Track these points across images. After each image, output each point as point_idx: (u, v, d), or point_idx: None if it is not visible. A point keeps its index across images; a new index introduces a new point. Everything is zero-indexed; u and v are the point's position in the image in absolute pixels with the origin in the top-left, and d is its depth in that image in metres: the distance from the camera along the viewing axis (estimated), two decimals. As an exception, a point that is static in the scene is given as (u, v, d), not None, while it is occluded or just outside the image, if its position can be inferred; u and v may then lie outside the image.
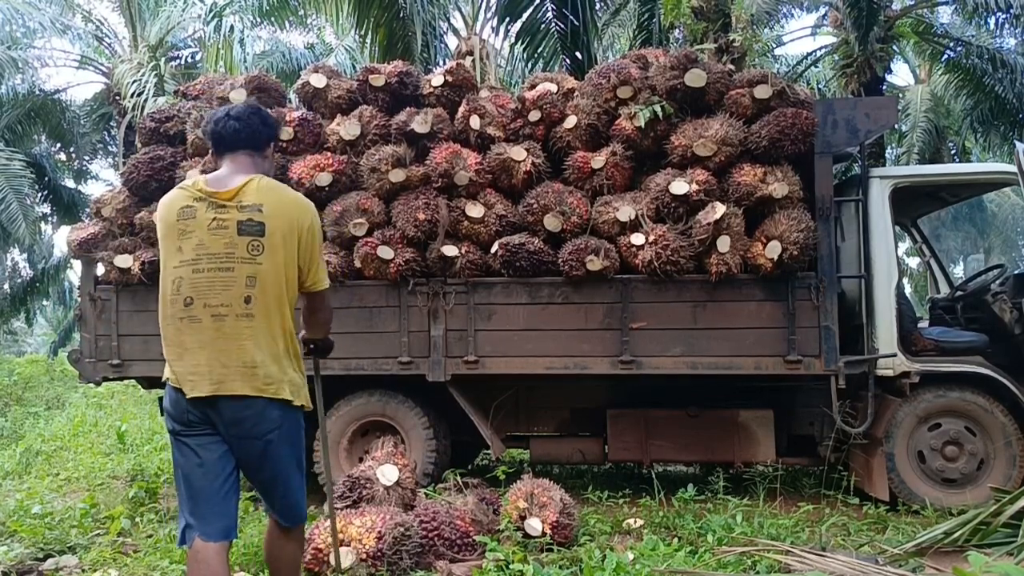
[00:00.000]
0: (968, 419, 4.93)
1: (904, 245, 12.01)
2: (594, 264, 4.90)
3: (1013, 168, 4.76)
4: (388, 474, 4.27)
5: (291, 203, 2.58)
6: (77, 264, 5.86)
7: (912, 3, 12.76)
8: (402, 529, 3.63)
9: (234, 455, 2.54)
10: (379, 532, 3.55)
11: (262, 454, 2.54)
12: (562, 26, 8.48)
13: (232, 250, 2.46)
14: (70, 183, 18.35)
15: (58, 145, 18.23)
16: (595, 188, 5.16)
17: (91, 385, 5.82)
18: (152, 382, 6.01)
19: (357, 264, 5.20)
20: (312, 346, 2.98)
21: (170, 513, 4.96)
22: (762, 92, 5.00)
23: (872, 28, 10.23)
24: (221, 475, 2.49)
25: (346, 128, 5.37)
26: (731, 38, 8.29)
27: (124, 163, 6.40)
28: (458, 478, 4.72)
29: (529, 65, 9.13)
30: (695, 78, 5.03)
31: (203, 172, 5.39)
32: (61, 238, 26.64)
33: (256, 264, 2.47)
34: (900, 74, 26.03)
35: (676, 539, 4.07)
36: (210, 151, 2.73)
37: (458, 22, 10.35)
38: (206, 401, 2.46)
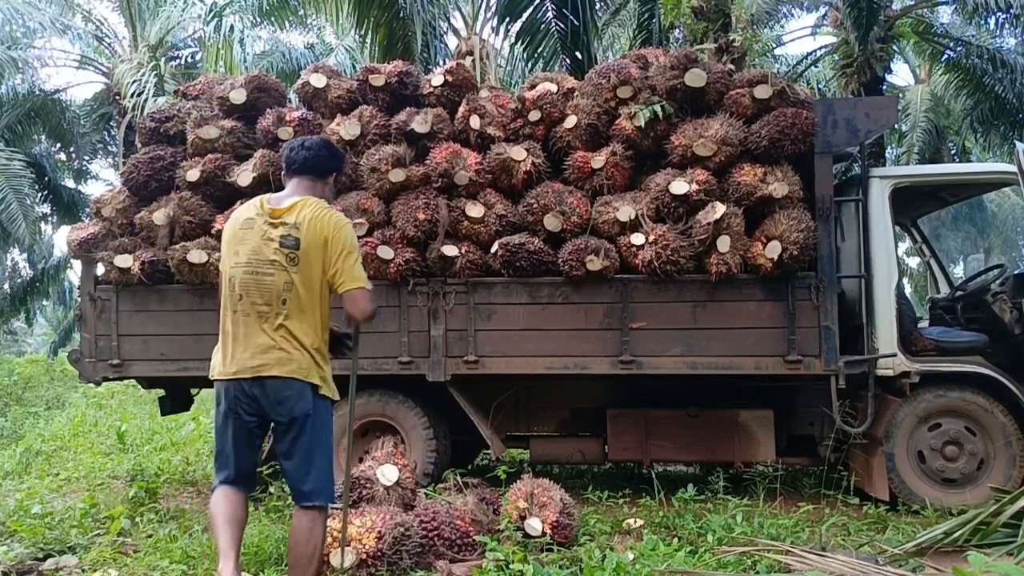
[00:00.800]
0: (968, 419, 4.93)
1: (904, 245, 12.01)
2: (594, 264, 4.90)
3: (1013, 168, 4.76)
4: (388, 474, 4.26)
5: (323, 220, 2.97)
6: (77, 264, 5.86)
7: (912, 3, 12.76)
8: (402, 529, 3.63)
9: (267, 431, 3.07)
10: (379, 532, 3.55)
11: (299, 432, 2.97)
12: (562, 26, 8.49)
13: (276, 258, 2.92)
14: (70, 183, 18.36)
15: (58, 145, 18.23)
16: (595, 188, 5.16)
17: (91, 385, 5.81)
18: (152, 382, 6.01)
19: (357, 264, 5.20)
20: (340, 340, 3.29)
21: (170, 513, 4.96)
22: (762, 92, 5.00)
23: (872, 28, 10.23)
24: (253, 444, 3.08)
25: (346, 128, 5.37)
26: (731, 38, 8.29)
27: (124, 163, 6.40)
28: (458, 478, 4.72)
29: (529, 65, 9.13)
30: (695, 78, 5.03)
31: (202, 172, 5.41)
32: (61, 238, 26.66)
33: (292, 273, 2.92)
34: (900, 74, 26.00)
35: (676, 539, 4.07)
36: (282, 171, 3.19)
37: (458, 22, 10.36)
38: (254, 383, 2.92)
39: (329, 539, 3.53)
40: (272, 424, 3.03)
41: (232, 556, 2.89)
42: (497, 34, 9.26)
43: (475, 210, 5.11)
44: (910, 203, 5.74)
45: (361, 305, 3.02)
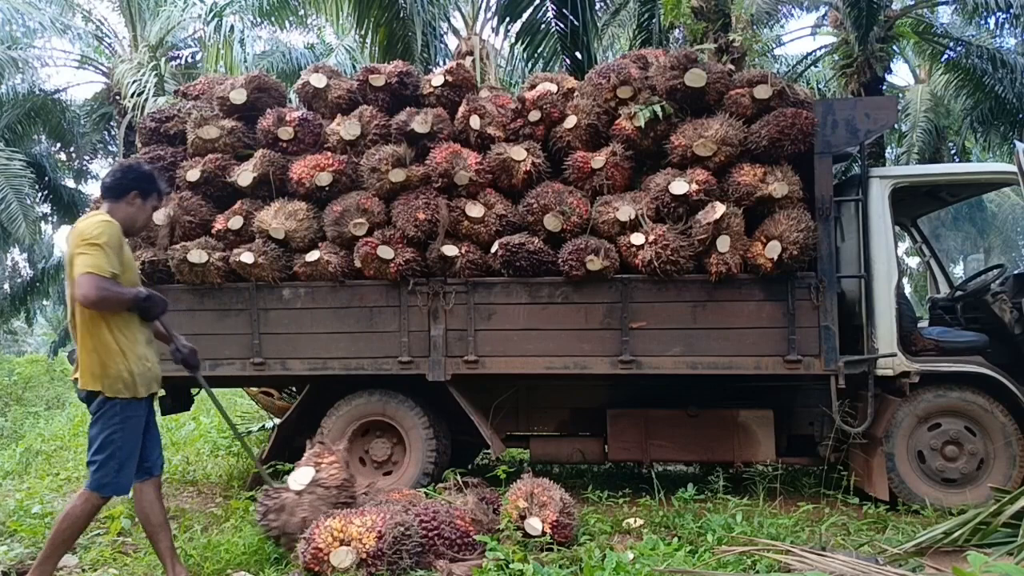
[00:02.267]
0: (968, 419, 4.93)
1: (904, 245, 12.01)
2: (594, 264, 4.90)
3: (1013, 168, 4.76)
4: (300, 477, 4.03)
5: (71, 234, 3.24)
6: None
7: (912, 3, 12.76)
8: (402, 529, 3.63)
9: None
10: (379, 531, 3.55)
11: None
12: (562, 26, 8.48)
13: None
14: (70, 183, 18.37)
15: (58, 145, 18.24)
16: (595, 188, 5.16)
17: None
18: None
19: (357, 264, 5.20)
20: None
21: (170, 513, 4.96)
22: (762, 92, 5.00)
23: (872, 28, 10.24)
24: None
25: (346, 128, 5.37)
26: (731, 38, 8.29)
27: (124, 163, 6.39)
28: (458, 478, 4.72)
29: (529, 65, 9.13)
30: (695, 78, 5.03)
31: (203, 172, 5.41)
32: (61, 238, 26.66)
33: (68, 290, 3.29)
34: (900, 74, 26.05)
35: (676, 538, 4.07)
36: None
37: (458, 22, 10.36)
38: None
39: (330, 539, 3.53)
40: None
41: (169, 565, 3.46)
42: (497, 34, 9.29)
43: (475, 210, 5.11)
44: (910, 203, 5.74)
45: (81, 290, 3.12)
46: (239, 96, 5.66)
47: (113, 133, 17.30)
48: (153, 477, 3.55)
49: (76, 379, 3.36)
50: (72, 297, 3.23)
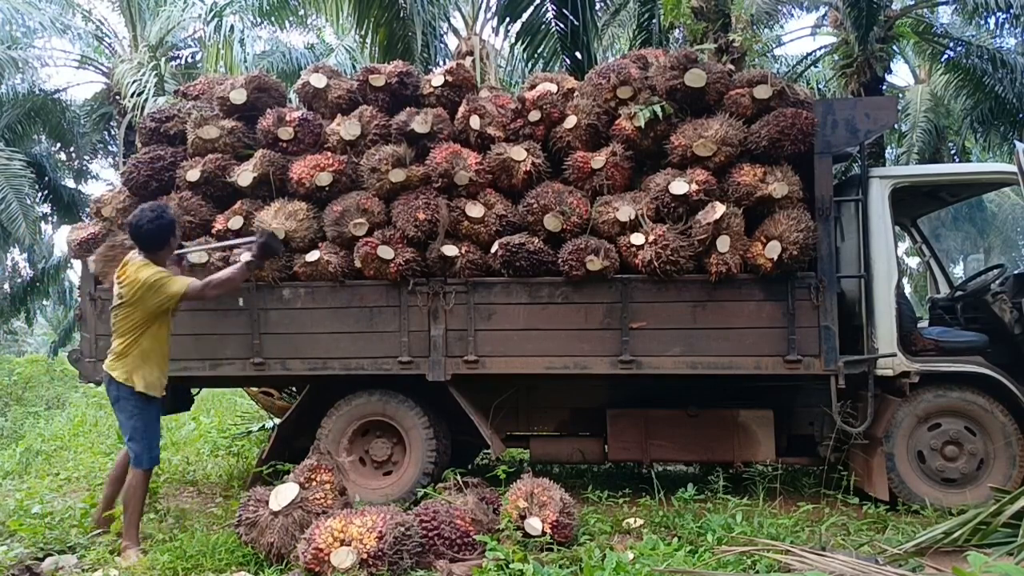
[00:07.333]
0: (968, 419, 4.93)
1: (904, 245, 12.02)
2: (594, 264, 4.90)
3: (1013, 168, 4.76)
4: (281, 496, 3.94)
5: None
6: (77, 264, 5.85)
7: (912, 3, 12.77)
8: (403, 529, 3.63)
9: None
10: (380, 532, 3.56)
11: (116, 411, 4.35)
12: (562, 26, 8.48)
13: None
14: (70, 183, 18.37)
15: (58, 145, 18.25)
16: (595, 188, 5.16)
17: (91, 385, 5.80)
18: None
19: (357, 264, 5.20)
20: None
21: (170, 512, 4.97)
22: (762, 92, 5.00)
23: (872, 28, 10.25)
24: None
25: (346, 128, 5.37)
26: (731, 38, 8.29)
27: (124, 163, 6.40)
28: (458, 478, 4.72)
29: (529, 65, 9.13)
30: (695, 78, 5.03)
31: (203, 172, 5.41)
32: (61, 238, 26.66)
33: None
34: (900, 74, 26.04)
35: (676, 538, 4.08)
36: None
37: (458, 22, 10.37)
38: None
39: (330, 539, 3.53)
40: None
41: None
42: (497, 34, 9.29)
43: (475, 210, 5.11)
44: (910, 203, 5.74)
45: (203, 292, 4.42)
46: (239, 96, 5.65)
47: (113, 133, 17.32)
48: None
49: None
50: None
